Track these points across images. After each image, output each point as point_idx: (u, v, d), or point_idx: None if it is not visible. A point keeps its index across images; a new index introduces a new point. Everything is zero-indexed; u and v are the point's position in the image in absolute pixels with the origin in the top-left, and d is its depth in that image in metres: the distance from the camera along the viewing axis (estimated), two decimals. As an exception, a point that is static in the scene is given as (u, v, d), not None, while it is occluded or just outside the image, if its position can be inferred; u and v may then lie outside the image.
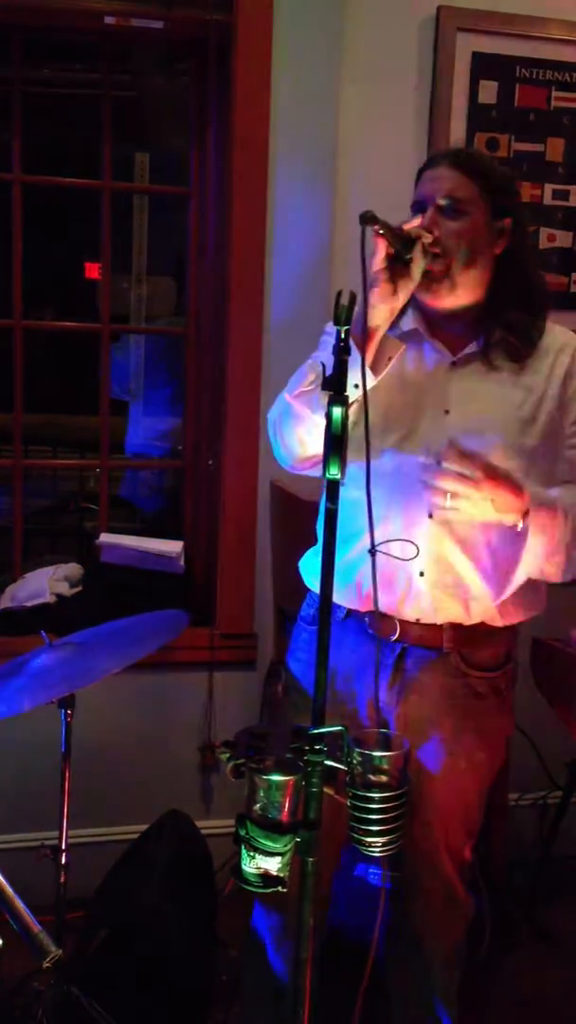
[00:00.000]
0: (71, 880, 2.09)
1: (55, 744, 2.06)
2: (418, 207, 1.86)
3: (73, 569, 3.02)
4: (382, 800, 1.47)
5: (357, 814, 1.49)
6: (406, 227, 1.76)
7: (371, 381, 1.72)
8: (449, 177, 1.84)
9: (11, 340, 2.93)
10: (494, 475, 1.70)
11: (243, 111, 2.72)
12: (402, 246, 1.72)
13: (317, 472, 1.83)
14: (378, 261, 1.71)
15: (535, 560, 1.82)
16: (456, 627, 1.90)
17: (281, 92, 2.73)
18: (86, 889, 2.50)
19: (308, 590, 2.07)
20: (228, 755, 1.49)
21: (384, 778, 1.48)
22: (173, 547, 2.97)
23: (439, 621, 1.89)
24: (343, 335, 1.43)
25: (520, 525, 1.76)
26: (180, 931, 2.30)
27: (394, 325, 1.84)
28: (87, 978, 2.15)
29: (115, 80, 2.94)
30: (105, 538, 3.00)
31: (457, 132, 2.86)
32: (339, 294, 1.54)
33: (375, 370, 1.75)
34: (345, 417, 1.40)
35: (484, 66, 2.85)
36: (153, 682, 2.88)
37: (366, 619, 1.92)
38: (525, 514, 1.75)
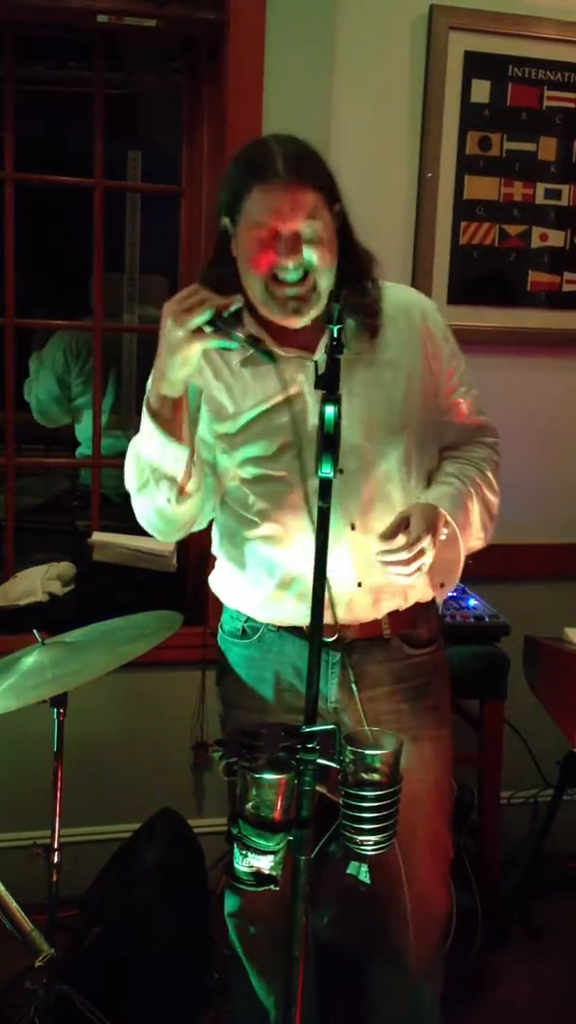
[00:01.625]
0: (63, 879, 2.09)
1: (47, 743, 2.06)
2: (267, 235, 1.65)
3: (65, 568, 3.02)
4: (375, 799, 1.47)
5: (349, 812, 1.49)
6: (224, 307, 1.59)
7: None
8: (295, 198, 1.65)
9: (3, 338, 2.93)
10: (416, 534, 1.68)
11: (235, 109, 2.72)
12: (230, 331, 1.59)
13: (197, 529, 1.89)
14: (195, 346, 1.60)
15: (465, 548, 1.85)
16: (394, 613, 1.90)
17: (273, 90, 2.73)
18: (79, 888, 2.50)
19: (225, 608, 2.02)
20: (220, 753, 1.49)
21: (376, 776, 1.48)
22: (165, 546, 2.97)
23: (380, 616, 1.89)
24: (336, 334, 1.42)
25: (446, 531, 1.77)
26: (173, 930, 2.30)
27: (231, 333, 1.63)
28: (80, 977, 2.15)
29: (108, 78, 2.93)
30: (98, 537, 3.00)
31: (449, 131, 2.86)
32: (330, 293, 1.54)
33: (193, 422, 1.75)
34: (338, 416, 1.39)
35: (476, 65, 2.85)
36: (145, 681, 2.88)
37: (303, 628, 1.87)
38: (446, 523, 1.77)
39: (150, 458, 1.73)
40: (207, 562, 2.94)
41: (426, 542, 1.69)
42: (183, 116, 2.96)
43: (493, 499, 1.92)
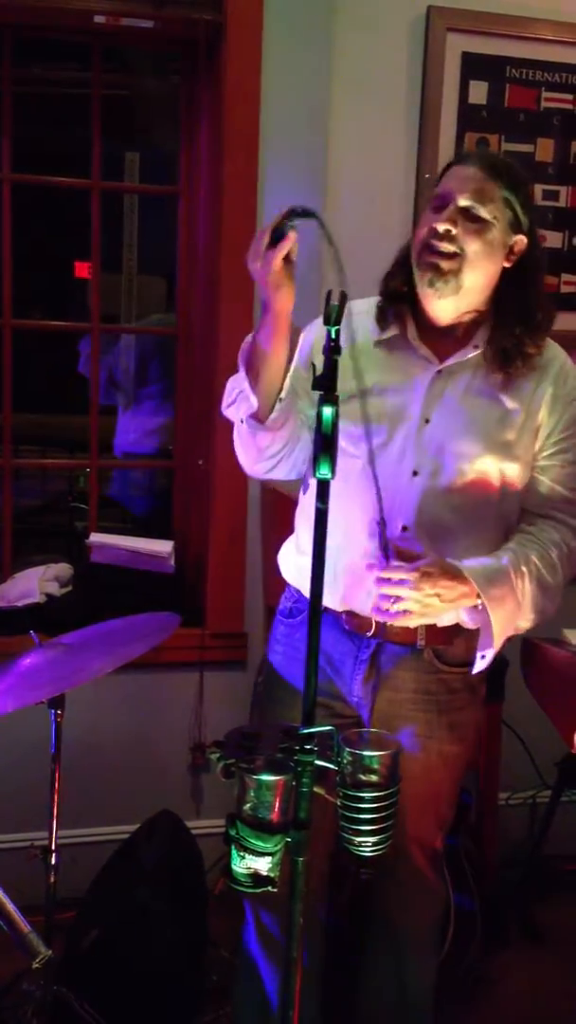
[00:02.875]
0: (61, 880, 2.09)
1: (45, 744, 2.06)
2: (440, 200, 1.82)
3: (63, 569, 3.01)
4: (373, 800, 1.47)
5: (347, 814, 1.49)
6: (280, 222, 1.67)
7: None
8: (478, 179, 1.80)
9: (0, 339, 2.92)
10: (430, 575, 1.73)
11: (233, 110, 2.72)
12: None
13: (278, 476, 1.93)
14: (279, 263, 1.65)
15: (504, 625, 1.84)
16: (431, 626, 1.90)
17: (271, 91, 2.73)
18: (76, 889, 2.50)
19: (287, 585, 2.08)
20: (218, 755, 1.48)
21: (374, 778, 1.48)
22: (163, 547, 2.96)
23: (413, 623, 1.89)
24: (334, 335, 1.43)
25: (479, 604, 1.80)
26: (171, 931, 2.30)
27: (387, 328, 1.89)
28: (77, 979, 2.15)
29: (105, 79, 2.93)
30: (95, 538, 3.00)
31: (447, 132, 2.86)
32: (329, 293, 1.54)
33: (290, 361, 1.78)
34: (336, 416, 1.40)
35: (474, 66, 2.85)
36: (143, 682, 2.87)
37: (342, 616, 1.92)
38: (477, 595, 1.78)
39: (241, 376, 1.80)
40: (205, 564, 2.96)
41: (411, 587, 1.72)
42: (181, 117, 2.96)
43: (551, 581, 1.87)
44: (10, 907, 1.64)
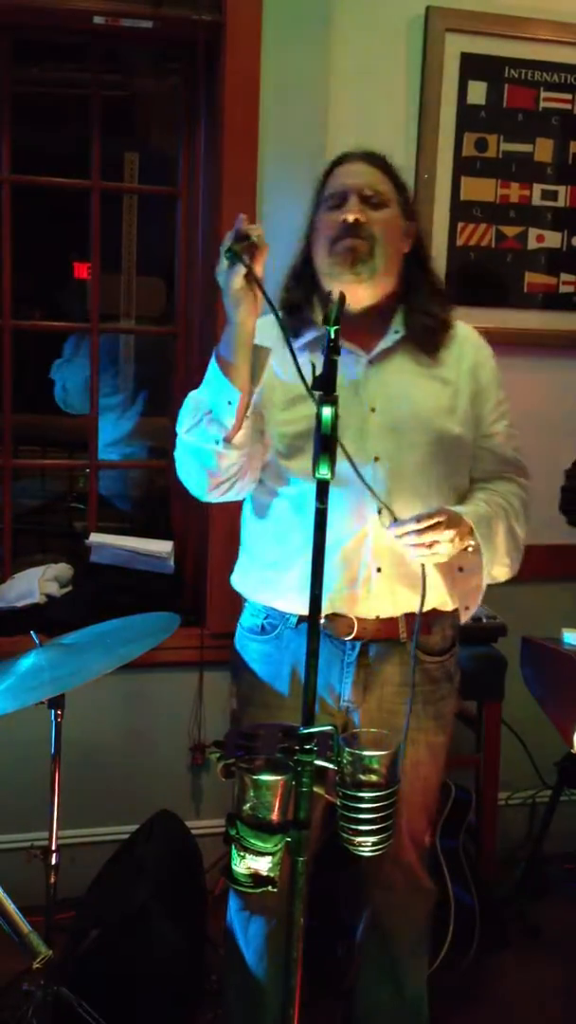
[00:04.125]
0: (61, 881, 2.09)
1: (45, 744, 2.06)
2: (338, 199, 1.89)
3: (63, 569, 3.02)
4: (372, 800, 1.47)
5: (347, 814, 1.49)
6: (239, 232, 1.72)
7: (255, 397, 1.79)
8: (369, 172, 1.91)
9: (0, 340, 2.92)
10: (434, 523, 1.79)
11: (232, 111, 2.72)
12: (244, 253, 1.69)
13: (231, 497, 1.94)
14: (238, 281, 1.68)
15: (488, 568, 1.92)
16: (411, 616, 1.93)
17: (270, 92, 2.73)
18: (76, 890, 2.50)
19: (246, 602, 2.11)
20: (218, 755, 1.48)
21: (374, 777, 1.48)
22: (163, 547, 2.97)
23: (397, 614, 1.94)
24: (332, 335, 1.43)
25: (472, 545, 1.86)
26: (170, 931, 2.30)
27: (297, 337, 1.91)
28: (77, 979, 2.15)
29: (104, 80, 2.93)
30: (95, 538, 3.00)
31: (446, 132, 2.86)
32: (328, 294, 1.54)
33: (256, 380, 1.79)
34: (335, 417, 1.40)
35: (473, 66, 2.85)
36: (143, 682, 2.88)
37: (323, 621, 1.91)
38: (471, 533, 1.86)
39: (206, 400, 1.81)
40: (205, 563, 2.96)
41: (442, 530, 1.78)
42: (180, 118, 2.97)
43: (519, 531, 1.99)
44: (10, 907, 1.65)
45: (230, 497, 1.96)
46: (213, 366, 1.79)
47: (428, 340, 1.95)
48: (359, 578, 1.90)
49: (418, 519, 1.78)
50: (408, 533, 1.78)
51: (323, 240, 1.91)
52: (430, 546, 1.79)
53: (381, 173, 1.92)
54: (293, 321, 1.93)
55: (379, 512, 1.86)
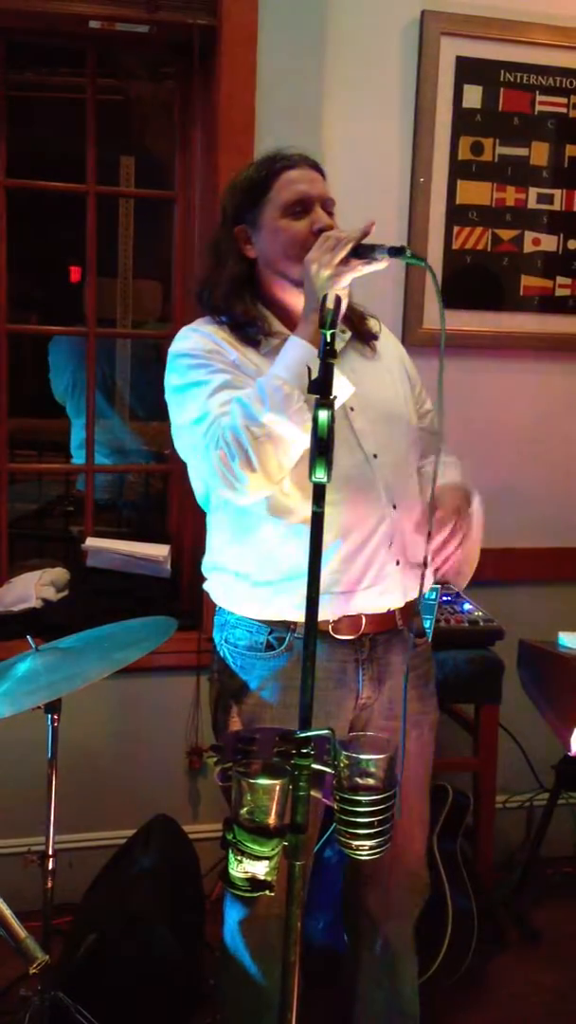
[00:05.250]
0: (58, 885, 2.08)
1: (41, 749, 2.06)
2: (300, 206, 1.88)
3: (59, 574, 3.01)
4: (370, 803, 1.47)
5: (345, 817, 1.49)
6: (364, 235, 1.76)
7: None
8: (319, 179, 1.93)
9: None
10: (457, 512, 1.88)
11: (228, 115, 2.72)
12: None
13: (267, 493, 1.84)
14: (346, 281, 1.75)
15: (476, 546, 1.99)
16: (405, 604, 1.97)
17: (266, 96, 2.73)
18: (73, 894, 2.50)
19: (240, 619, 1.96)
20: (215, 759, 1.48)
21: (371, 781, 1.48)
22: (159, 551, 2.96)
23: (403, 603, 1.96)
24: (328, 338, 1.43)
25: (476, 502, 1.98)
26: (167, 936, 2.30)
27: (264, 342, 1.89)
28: (74, 984, 2.14)
29: (100, 84, 2.93)
30: (91, 542, 3.00)
31: (442, 136, 2.87)
32: (324, 297, 1.54)
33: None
34: (332, 420, 1.40)
35: (468, 70, 2.86)
36: (140, 686, 2.87)
37: (330, 626, 1.88)
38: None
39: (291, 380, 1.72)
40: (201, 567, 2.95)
41: (459, 531, 1.86)
42: (176, 122, 2.97)
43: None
44: (7, 912, 1.64)
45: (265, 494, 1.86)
46: (303, 345, 1.73)
47: (365, 335, 2.00)
48: (384, 575, 1.90)
49: (449, 536, 1.85)
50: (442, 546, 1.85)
51: (290, 247, 1.86)
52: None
53: (321, 175, 1.95)
54: (250, 331, 1.88)
55: (394, 507, 1.90)
